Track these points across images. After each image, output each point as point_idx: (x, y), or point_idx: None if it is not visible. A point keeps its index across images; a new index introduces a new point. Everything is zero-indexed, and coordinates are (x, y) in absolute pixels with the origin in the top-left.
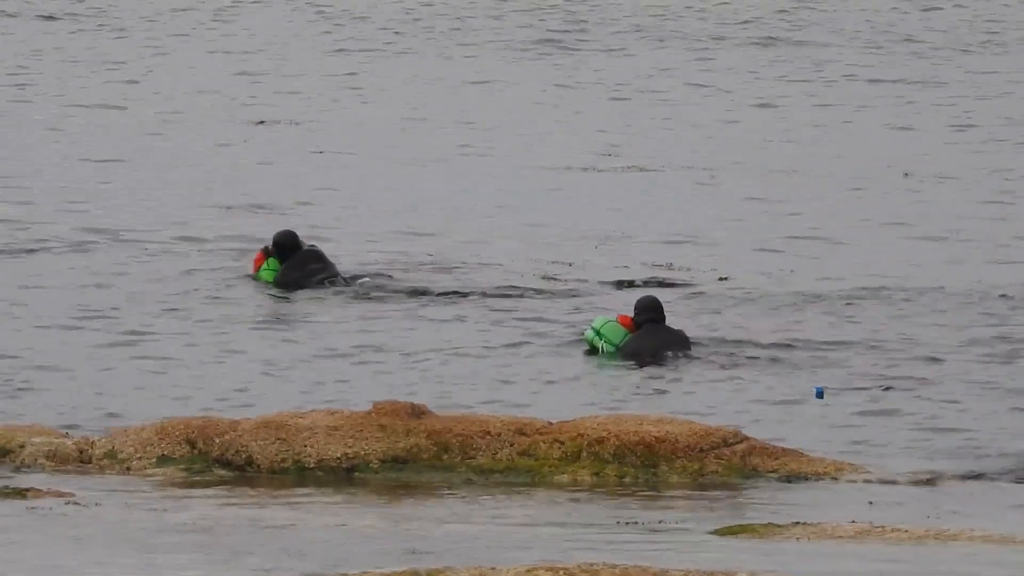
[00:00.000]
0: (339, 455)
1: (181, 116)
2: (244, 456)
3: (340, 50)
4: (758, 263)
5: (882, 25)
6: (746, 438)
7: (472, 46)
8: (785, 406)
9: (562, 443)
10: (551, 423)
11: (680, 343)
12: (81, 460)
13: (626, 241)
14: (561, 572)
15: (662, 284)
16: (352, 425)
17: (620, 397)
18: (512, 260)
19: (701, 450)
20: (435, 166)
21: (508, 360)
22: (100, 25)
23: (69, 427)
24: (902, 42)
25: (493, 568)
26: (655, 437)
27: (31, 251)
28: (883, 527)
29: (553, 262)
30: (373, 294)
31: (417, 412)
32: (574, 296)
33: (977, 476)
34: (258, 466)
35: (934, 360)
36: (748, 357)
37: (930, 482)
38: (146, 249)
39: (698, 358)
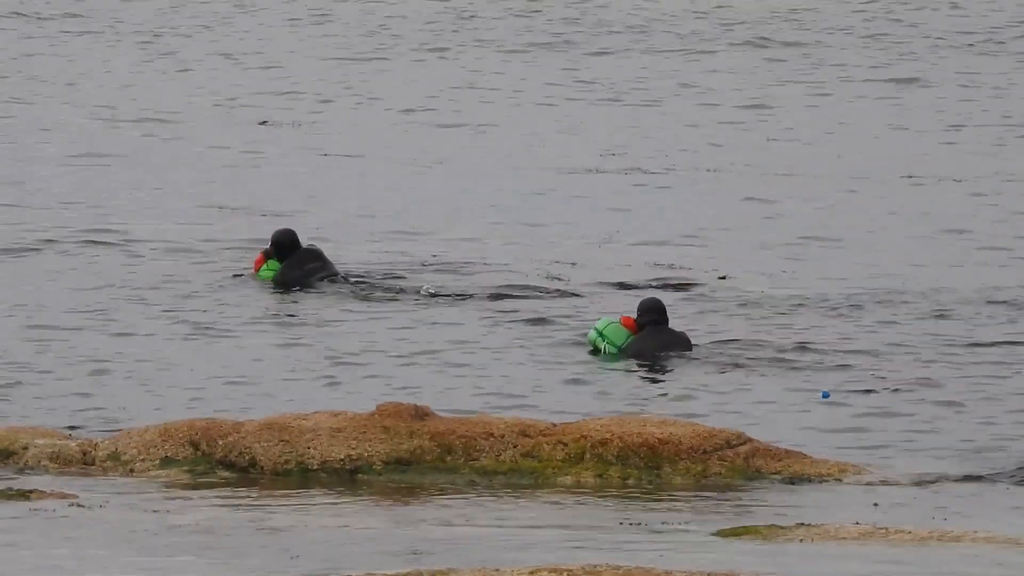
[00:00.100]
0: (342, 457)
1: (182, 116)
2: (247, 458)
3: (341, 50)
4: (760, 264)
5: (883, 25)
6: (749, 440)
7: (473, 47)
8: (788, 408)
9: (565, 445)
10: (554, 425)
11: (682, 345)
12: (84, 462)
13: (628, 242)
14: (564, 574)
15: (665, 285)
16: (355, 427)
17: (622, 399)
18: (515, 261)
19: (704, 452)
20: (437, 167)
21: (511, 361)
22: (101, 25)
23: (72, 429)
24: (903, 42)
25: (496, 570)
26: (658, 439)
27: (32, 252)
28: (886, 529)
29: (555, 263)
30: (374, 294)
31: (420, 414)
32: (576, 297)
33: (980, 478)
34: (261, 468)
35: (937, 361)
36: (750, 359)
37: (933, 484)
38: (148, 250)
39: (700, 360)
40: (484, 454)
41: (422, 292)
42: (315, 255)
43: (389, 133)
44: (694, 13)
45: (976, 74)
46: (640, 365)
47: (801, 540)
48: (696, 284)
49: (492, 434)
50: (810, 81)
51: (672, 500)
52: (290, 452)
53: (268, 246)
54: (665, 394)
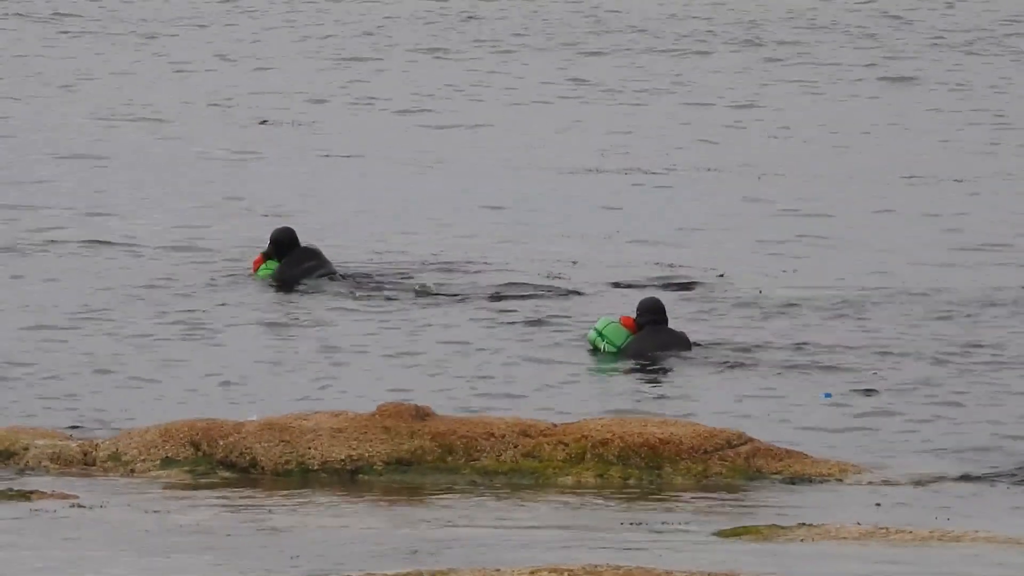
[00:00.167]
0: (343, 457)
1: (181, 116)
2: (248, 458)
3: (341, 50)
4: (760, 264)
5: (883, 25)
6: (750, 440)
7: (472, 48)
8: (788, 408)
9: (566, 445)
10: (555, 425)
11: (682, 345)
12: (85, 462)
13: (628, 242)
14: (565, 574)
15: (666, 285)
16: (356, 427)
17: (622, 399)
18: (514, 261)
19: (705, 452)
20: (436, 167)
21: (511, 361)
22: (100, 25)
23: (73, 429)
24: (900, 41)
25: (497, 570)
26: (659, 439)
27: (32, 252)
28: (887, 529)
29: (555, 262)
30: (375, 294)
31: (421, 414)
32: (576, 297)
33: (981, 478)
34: (262, 468)
35: (939, 362)
36: (750, 359)
37: (934, 484)
38: (148, 250)
39: (700, 360)
40: (485, 454)
41: (417, 289)
42: (313, 254)
43: (388, 133)
44: (693, 13)
45: (977, 74)
46: (639, 365)
47: (802, 540)
48: (696, 284)
49: (493, 434)
50: (808, 80)
51: (673, 500)
52: (291, 452)
53: (268, 246)
54: (665, 394)
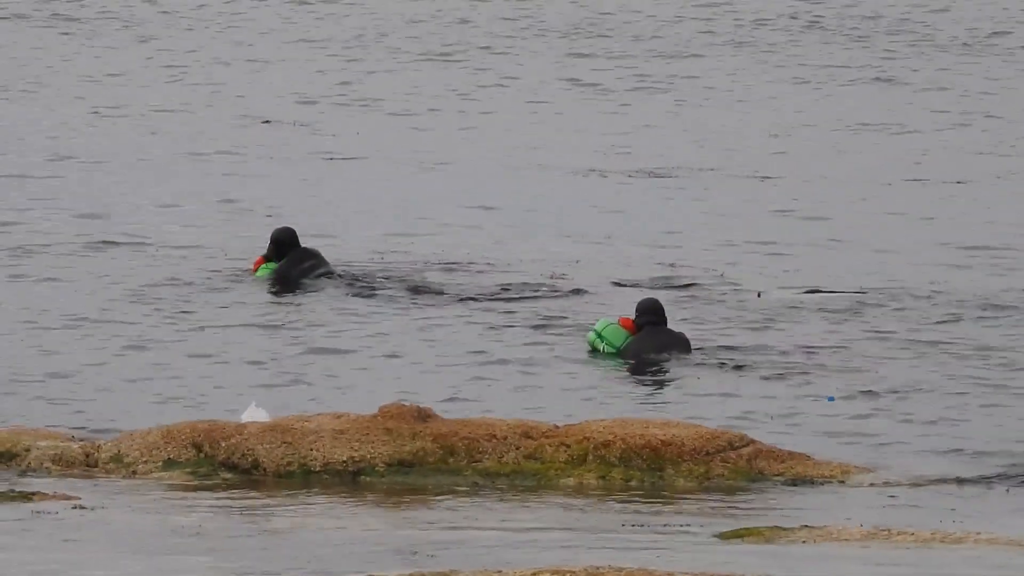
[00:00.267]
0: (345, 458)
1: (182, 116)
2: (250, 459)
3: (344, 51)
4: (761, 265)
5: (886, 25)
6: (752, 441)
7: (476, 49)
8: (790, 409)
9: (568, 446)
10: (557, 426)
11: (681, 345)
12: (87, 464)
13: (629, 242)
14: (567, 575)
15: (668, 286)
16: (358, 428)
17: (624, 400)
18: (516, 261)
19: (707, 453)
20: (437, 167)
21: (513, 362)
22: (101, 25)
23: (75, 430)
24: (905, 43)
25: (499, 572)
26: (661, 440)
27: (34, 253)
28: (889, 530)
29: (557, 263)
30: (376, 294)
31: (423, 415)
32: (578, 298)
33: (983, 480)
34: (264, 469)
35: (940, 363)
36: (751, 360)
37: (936, 486)
38: (149, 251)
39: (701, 361)
40: (487, 456)
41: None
42: (312, 254)
43: (389, 134)
44: (693, 14)
45: (970, 75)
46: (639, 366)
47: (804, 542)
48: (696, 284)
49: (495, 436)
50: (809, 81)
51: (675, 502)
52: (293, 454)
53: (268, 246)
54: (666, 396)
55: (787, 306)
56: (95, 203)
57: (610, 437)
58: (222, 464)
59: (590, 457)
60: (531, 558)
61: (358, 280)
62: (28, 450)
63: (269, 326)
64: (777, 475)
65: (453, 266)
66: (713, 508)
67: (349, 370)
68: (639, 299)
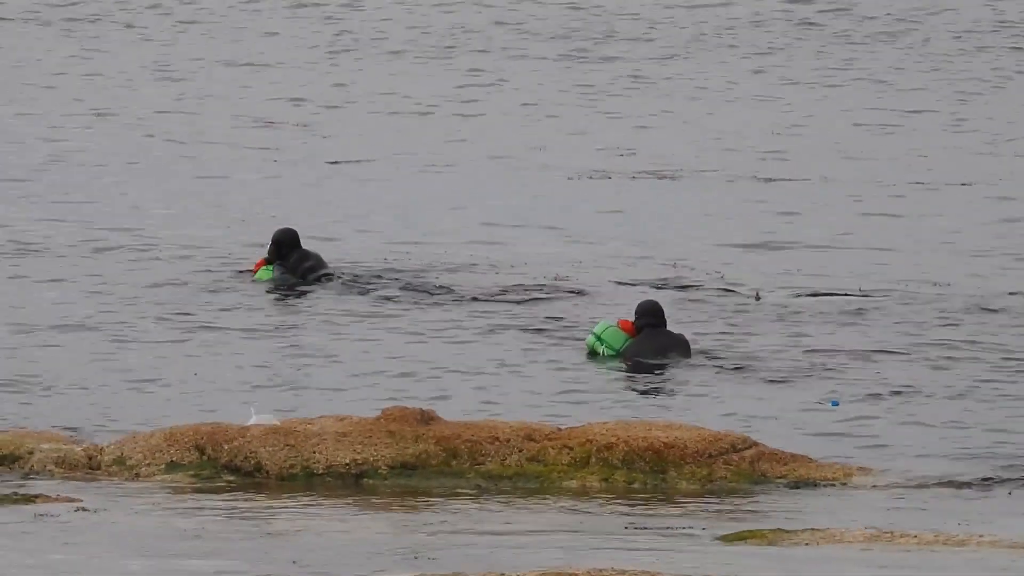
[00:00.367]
0: (348, 461)
1: (183, 117)
2: (253, 462)
3: (347, 52)
4: (761, 266)
5: (890, 23)
6: (755, 444)
7: (477, 50)
8: (792, 412)
9: (571, 449)
10: (560, 429)
11: (680, 347)
12: (90, 467)
13: (629, 244)
14: None
15: (672, 287)
16: (361, 431)
17: (626, 403)
18: (518, 263)
19: (710, 456)
20: (440, 169)
21: (516, 364)
22: (101, 26)
23: (78, 432)
24: (906, 43)
25: (502, 574)
26: (664, 443)
27: (36, 255)
28: (892, 533)
29: (558, 265)
30: (377, 296)
31: (426, 418)
32: (580, 299)
33: (985, 482)
34: (267, 472)
35: (943, 365)
36: (752, 362)
37: (938, 488)
38: (151, 253)
39: (702, 363)
40: (490, 458)
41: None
42: (312, 256)
43: (391, 135)
44: (695, 16)
45: (978, 74)
46: (641, 368)
47: (807, 544)
48: (697, 286)
49: (498, 438)
50: (811, 83)
51: (677, 504)
52: (295, 456)
53: (269, 246)
54: (668, 398)
55: (788, 308)
56: (96, 204)
57: (613, 439)
58: (225, 467)
59: (593, 459)
60: (534, 560)
61: (359, 282)
62: (31, 453)
63: (270, 328)
64: (780, 477)
65: (454, 268)
66: (716, 511)
67: (351, 372)
68: (639, 301)
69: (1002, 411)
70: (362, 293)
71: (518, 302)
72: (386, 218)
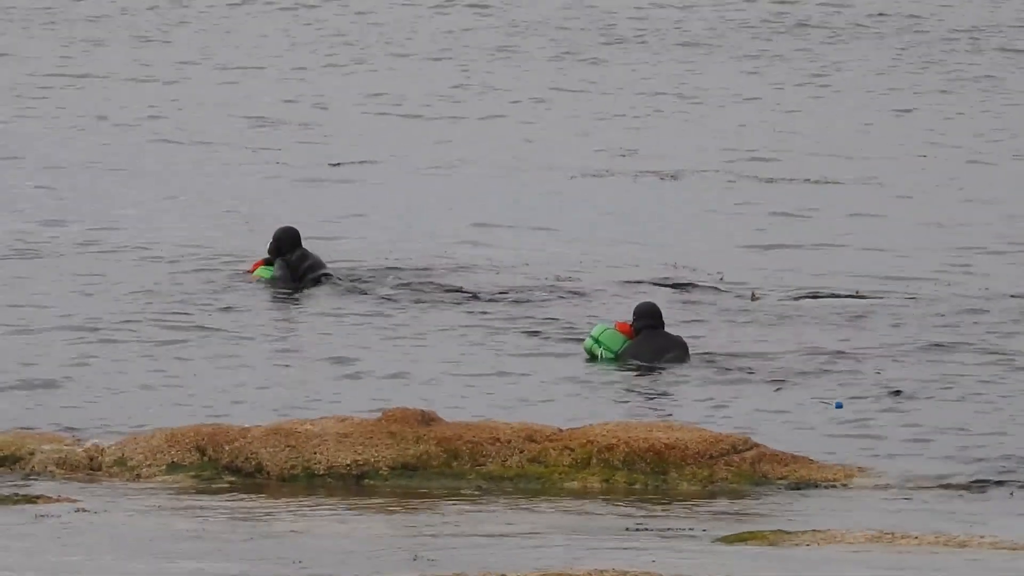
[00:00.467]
0: (349, 462)
1: (183, 117)
2: (254, 463)
3: (349, 53)
4: (761, 267)
5: (890, 22)
6: (756, 445)
7: (479, 51)
8: (793, 413)
9: (572, 450)
10: (561, 430)
11: (679, 348)
12: (91, 468)
13: (630, 244)
14: None
15: (673, 286)
16: (362, 432)
17: (626, 404)
18: (521, 264)
19: (711, 457)
20: (442, 169)
21: (517, 365)
22: (101, 27)
23: (79, 434)
24: (911, 44)
25: (503, 575)
26: (665, 444)
27: (37, 257)
28: (892, 534)
29: (560, 266)
30: (377, 297)
31: (427, 419)
32: (582, 301)
33: (987, 483)
34: (268, 473)
35: (944, 366)
36: (752, 363)
37: (939, 489)
38: (151, 254)
39: (702, 364)
40: (491, 459)
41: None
42: (311, 256)
43: (392, 136)
44: (698, 15)
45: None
46: (641, 370)
47: (807, 545)
48: (697, 287)
49: (499, 439)
50: (813, 83)
51: (678, 505)
52: (296, 457)
53: (270, 243)
54: (665, 399)
55: (787, 308)
56: (96, 205)
57: (614, 441)
58: (226, 468)
59: (594, 461)
60: (535, 562)
61: (359, 282)
62: (32, 454)
63: (270, 329)
64: (780, 479)
65: (454, 268)
66: (716, 512)
67: (352, 373)
68: (637, 303)
69: (1002, 412)
70: (363, 294)
71: (519, 302)
72: (386, 218)
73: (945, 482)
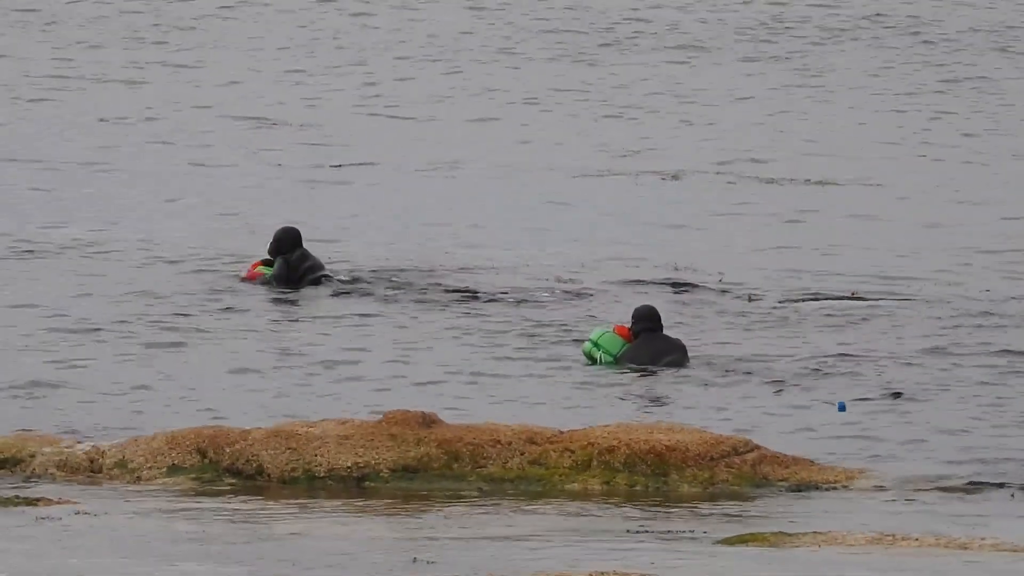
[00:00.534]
0: (349, 464)
1: (183, 118)
2: (255, 465)
3: (350, 54)
4: (761, 268)
5: (888, 23)
6: (756, 447)
7: (480, 51)
8: (793, 414)
9: (572, 452)
10: (561, 432)
11: (678, 351)
12: (92, 470)
13: (632, 246)
14: None
15: (674, 286)
16: (363, 434)
17: (627, 406)
18: (522, 265)
19: (711, 459)
20: (443, 170)
21: (517, 367)
22: (101, 27)
23: (79, 436)
24: (908, 45)
25: None
26: (665, 446)
27: (37, 258)
28: (893, 536)
29: (561, 267)
30: (377, 299)
31: (428, 421)
32: (583, 302)
33: (988, 485)
34: (268, 475)
35: (945, 368)
36: (752, 365)
37: (940, 491)
38: (150, 256)
39: (702, 367)
40: (491, 461)
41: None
42: (310, 257)
43: (393, 137)
44: (699, 16)
45: (984, 78)
46: (640, 372)
47: (808, 547)
48: (697, 288)
49: (499, 441)
50: (814, 85)
51: (679, 507)
52: (297, 460)
53: (270, 243)
54: (664, 402)
55: (787, 310)
56: (96, 207)
57: (615, 442)
58: (226, 470)
59: (594, 462)
60: (535, 564)
61: (359, 284)
62: (33, 456)
63: (270, 331)
64: (781, 480)
65: (455, 270)
66: (717, 513)
67: (352, 375)
68: (636, 305)
69: (1004, 414)
70: (363, 295)
71: (519, 304)
72: (386, 219)
73: (946, 484)
